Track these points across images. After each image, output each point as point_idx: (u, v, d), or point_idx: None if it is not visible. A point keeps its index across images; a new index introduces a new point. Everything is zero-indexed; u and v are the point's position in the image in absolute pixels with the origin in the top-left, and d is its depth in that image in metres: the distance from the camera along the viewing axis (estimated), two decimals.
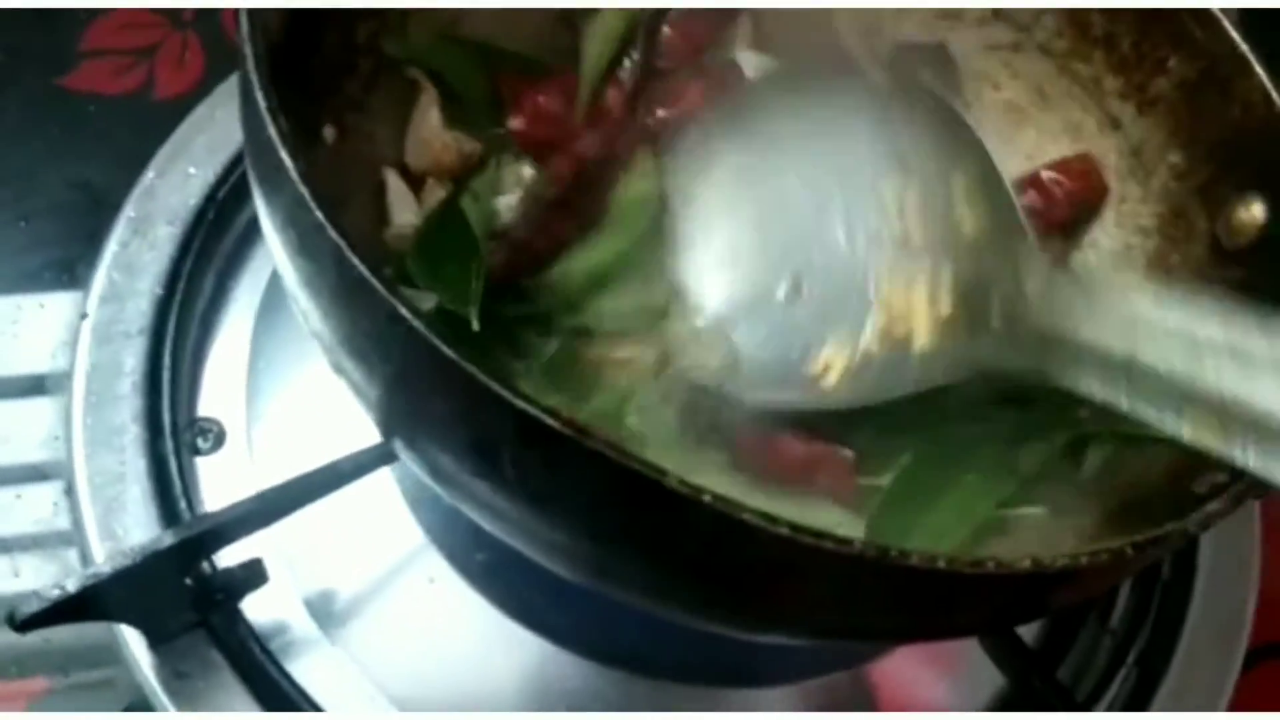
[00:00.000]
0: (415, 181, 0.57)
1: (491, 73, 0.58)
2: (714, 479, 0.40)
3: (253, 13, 0.42)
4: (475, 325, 0.51)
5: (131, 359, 0.59)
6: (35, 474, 0.58)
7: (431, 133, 0.56)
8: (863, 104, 0.57)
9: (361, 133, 0.55)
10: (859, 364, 0.50)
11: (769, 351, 0.51)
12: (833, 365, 0.50)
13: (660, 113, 0.59)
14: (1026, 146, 0.63)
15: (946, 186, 0.55)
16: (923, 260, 0.53)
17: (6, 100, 0.67)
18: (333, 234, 0.37)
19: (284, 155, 0.39)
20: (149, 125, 0.67)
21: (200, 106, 0.66)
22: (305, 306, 0.43)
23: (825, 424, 0.51)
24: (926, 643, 0.53)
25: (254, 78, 0.41)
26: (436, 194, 0.56)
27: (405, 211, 0.54)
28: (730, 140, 0.56)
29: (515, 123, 0.57)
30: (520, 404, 0.35)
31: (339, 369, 0.44)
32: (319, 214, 0.38)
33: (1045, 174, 0.60)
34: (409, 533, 0.57)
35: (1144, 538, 0.41)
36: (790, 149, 0.55)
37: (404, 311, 0.36)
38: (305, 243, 0.40)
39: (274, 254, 0.44)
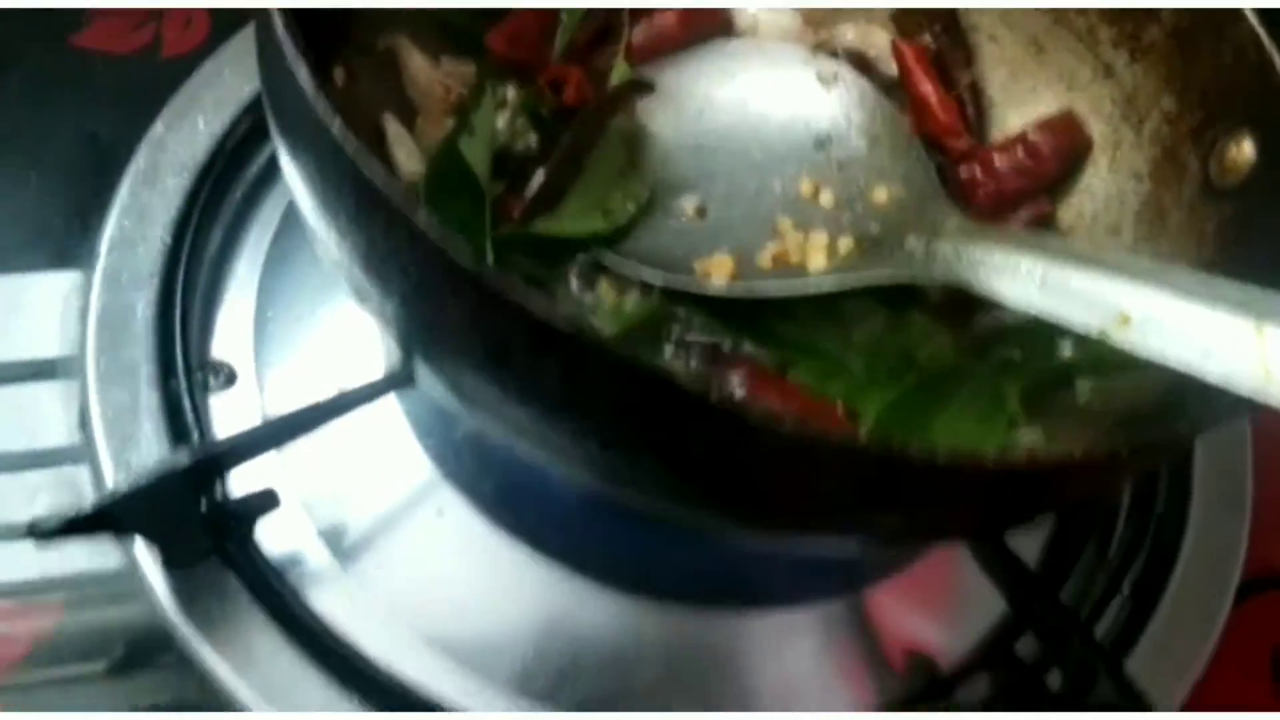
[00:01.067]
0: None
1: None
2: None
3: None
4: (490, 259, 0.52)
5: (142, 302, 0.60)
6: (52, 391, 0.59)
7: (419, 69, 0.58)
8: (807, 80, 0.63)
9: (367, 76, 0.56)
10: (749, 272, 0.56)
11: (668, 248, 0.57)
12: (720, 268, 0.56)
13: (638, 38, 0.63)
14: (1021, 95, 0.65)
15: (869, 165, 0.60)
16: (827, 216, 0.59)
17: (20, 58, 0.68)
18: (349, 149, 0.39)
19: (302, 77, 0.40)
20: (156, 82, 0.68)
21: (208, 62, 0.67)
22: (324, 234, 0.44)
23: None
24: (928, 542, 0.54)
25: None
26: (429, 130, 0.58)
27: (405, 154, 0.55)
28: (690, 86, 0.62)
29: (494, 42, 0.60)
30: (534, 308, 0.37)
31: (359, 292, 0.45)
32: (336, 132, 0.40)
33: (1032, 135, 0.62)
34: (418, 465, 0.58)
35: (1139, 441, 0.42)
36: (731, 105, 0.62)
37: (420, 224, 0.38)
38: (324, 164, 0.41)
39: (292, 184, 0.46)
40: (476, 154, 0.54)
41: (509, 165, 0.58)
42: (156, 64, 0.70)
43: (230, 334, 0.62)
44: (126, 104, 0.68)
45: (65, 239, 0.63)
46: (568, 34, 0.61)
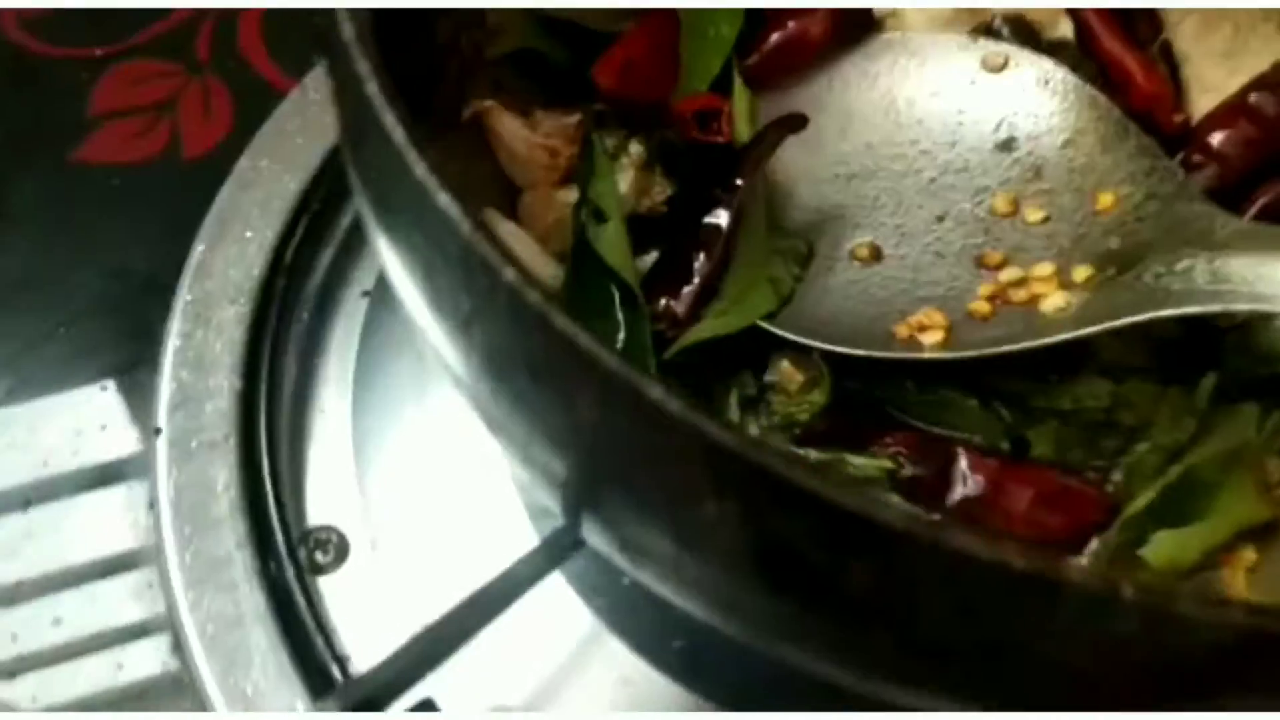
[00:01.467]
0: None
1: (574, 46, 0.49)
2: None
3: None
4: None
5: (222, 473, 0.49)
6: (135, 630, 0.48)
7: (514, 137, 0.46)
8: (970, 71, 0.51)
9: (455, 159, 0.45)
10: (964, 325, 0.45)
11: (852, 311, 0.47)
12: (930, 326, 0.45)
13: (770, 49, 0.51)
14: (1221, 43, 0.53)
15: (1072, 164, 0.49)
16: (1043, 238, 0.47)
17: (19, 187, 0.57)
18: (523, 293, 0.27)
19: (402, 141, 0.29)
20: (185, 191, 0.57)
21: (241, 159, 0.56)
22: (470, 384, 0.33)
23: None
24: None
25: (351, 43, 0.31)
26: (539, 212, 0.47)
27: (528, 256, 0.44)
28: (816, 100, 0.51)
29: (602, 77, 0.48)
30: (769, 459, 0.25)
31: (518, 453, 0.34)
32: (455, 208, 0.28)
33: (1253, 97, 0.50)
34: (587, 628, 0.47)
35: None
36: (878, 117, 0.51)
37: (595, 348, 0.27)
38: (483, 310, 0.30)
39: (404, 296, 0.34)
40: (617, 252, 0.43)
41: (640, 233, 0.47)
42: (180, 168, 0.58)
43: (330, 490, 0.51)
44: (155, 223, 0.57)
45: (112, 410, 0.52)
46: (720, 50, 0.49)
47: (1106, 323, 0.42)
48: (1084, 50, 0.52)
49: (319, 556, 0.50)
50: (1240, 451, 0.44)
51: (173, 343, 0.52)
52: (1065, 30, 0.54)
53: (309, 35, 0.61)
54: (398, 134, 0.29)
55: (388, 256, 0.33)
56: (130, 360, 0.53)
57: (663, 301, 0.44)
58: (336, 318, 0.55)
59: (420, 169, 0.29)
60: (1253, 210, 0.49)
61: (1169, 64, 0.54)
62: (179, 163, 0.58)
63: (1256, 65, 0.52)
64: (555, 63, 0.49)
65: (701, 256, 0.44)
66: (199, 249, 0.54)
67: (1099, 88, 0.51)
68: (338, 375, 0.53)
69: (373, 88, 0.30)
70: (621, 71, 0.48)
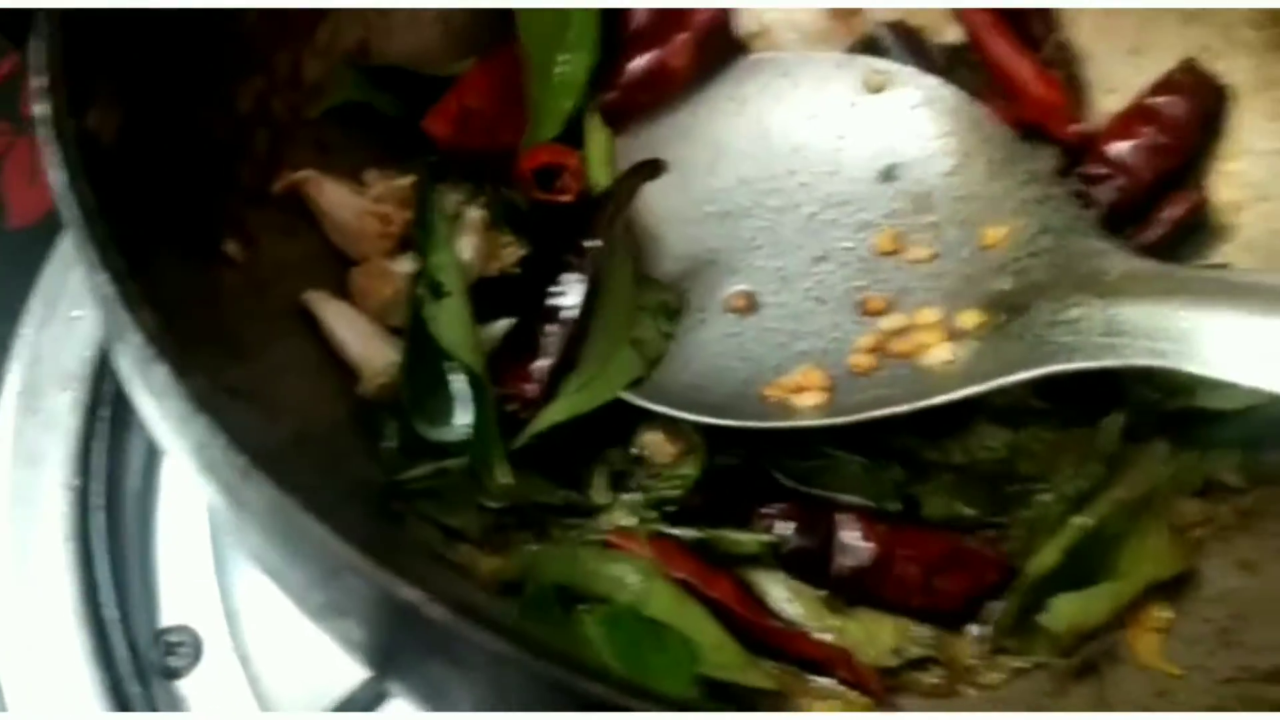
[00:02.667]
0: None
1: (407, 94, 0.45)
2: None
3: (60, 121, 0.28)
4: (506, 478, 0.38)
5: (63, 580, 0.45)
6: None
7: (340, 206, 0.42)
8: (849, 92, 0.47)
9: (269, 236, 0.40)
10: (844, 383, 0.41)
11: (727, 370, 0.43)
12: (807, 386, 0.41)
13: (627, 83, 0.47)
14: (1124, 38, 0.49)
15: (958, 194, 0.45)
16: (929, 278, 0.44)
17: None
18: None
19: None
20: (8, 264, 0.52)
21: (68, 236, 0.51)
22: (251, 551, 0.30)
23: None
24: None
25: (85, 239, 0.27)
26: (374, 287, 0.42)
27: (355, 338, 0.40)
28: (682, 131, 0.48)
29: (435, 127, 0.44)
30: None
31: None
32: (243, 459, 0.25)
33: (1151, 101, 0.47)
34: None
35: None
36: (751, 147, 0.47)
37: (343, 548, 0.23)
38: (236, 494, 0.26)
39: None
40: (457, 334, 0.39)
41: (488, 296, 0.43)
42: (3, 238, 0.54)
43: (183, 590, 0.47)
44: None
45: None
46: (571, 90, 0.45)
47: (993, 381, 0.38)
48: (977, 58, 0.49)
49: (172, 660, 0.46)
50: (1151, 496, 0.41)
51: (4, 440, 0.48)
52: (955, 34, 0.50)
53: None
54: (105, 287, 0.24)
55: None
56: None
57: (513, 381, 0.40)
58: None
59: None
60: (1162, 227, 0.46)
61: (1069, 62, 0.50)
62: (3, 232, 0.54)
63: (1164, 61, 0.48)
64: (386, 115, 0.44)
65: (554, 328, 0.40)
66: (26, 331, 0.50)
67: (990, 97, 0.48)
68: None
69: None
70: (458, 120, 0.44)
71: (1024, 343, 0.39)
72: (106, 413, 0.48)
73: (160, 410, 0.27)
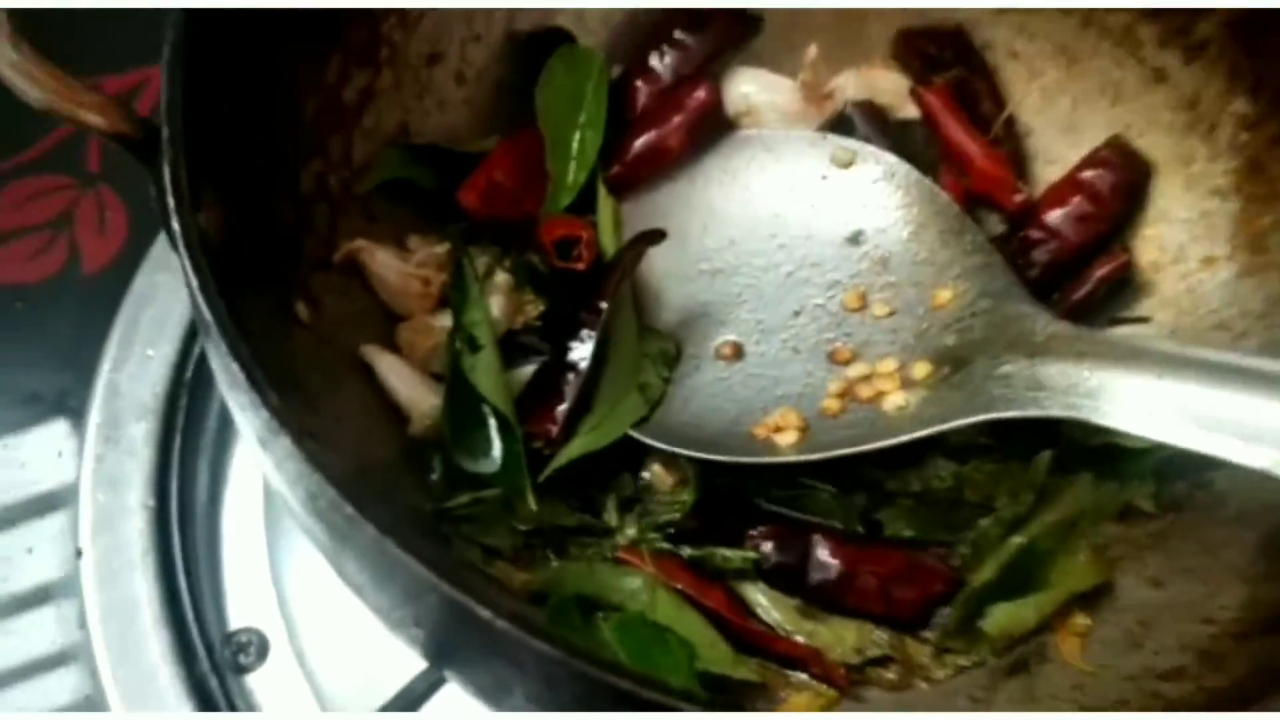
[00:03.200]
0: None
1: (442, 169, 0.53)
2: None
3: (187, 227, 0.35)
4: (533, 505, 0.45)
5: (143, 589, 0.53)
6: None
7: (388, 269, 0.49)
8: (821, 166, 0.54)
9: (331, 298, 0.48)
10: (817, 424, 0.49)
11: (716, 410, 0.50)
12: (786, 426, 0.49)
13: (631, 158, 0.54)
14: (1061, 116, 0.56)
15: (914, 258, 0.52)
16: (888, 332, 0.51)
17: None
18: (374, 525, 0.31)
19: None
20: (87, 307, 0.59)
21: (138, 277, 0.59)
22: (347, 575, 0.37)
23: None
24: None
25: (211, 321, 0.34)
26: (418, 340, 0.50)
27: (405, 386, 0.47)
28: (680, 198, 0.55)
29: (467, 200, 0.51)
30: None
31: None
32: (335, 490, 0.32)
33: (1082, 173, 0.54)
34: None
35: None
36: (738, 213, 0.54)
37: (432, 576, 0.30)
38: (328, 520, 0.34)
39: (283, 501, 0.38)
40: (490, 382, 0.46)
41: (516, 349, 0.51)
42: (80, 283, 0.61)
43: (247, 592, 0.54)
44: (60, 341, 0.59)
45: (36, 523, 0.55)
46: (584, 164, 0.52)
47: (937, 426, 0.46)
48: (932, 136, 0.56)
49: (242, 658, 0.53)
50: (1076, 520, 0.49)
51: (88, 465, 0.55)
52: (914, 111, 0.57)
53: None
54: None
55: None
56: (48, 483, 0.55)
57: (537, 422, 0.47)
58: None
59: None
60: (1092, 285, 0.53)
61: (1014, 138, 0.57)
62: (79, 278, 0.60)
63: (1094, 138, 0.55)
64: (424, 188, 0.51)
65: (571, 376, 0.48)
66: (104, 369, 0.57)
67: (945, 169, 0.55)
68: (247, 481, 0.56)
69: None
70: (486, 193, 0.51)
71: (964, 393, 0.46)
72: (178, 441, 0.56)
73: (279, 471, 0.34)
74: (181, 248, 0.34)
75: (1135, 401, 0.42)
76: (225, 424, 0.57)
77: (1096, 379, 0.43)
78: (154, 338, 0.57)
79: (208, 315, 0.32)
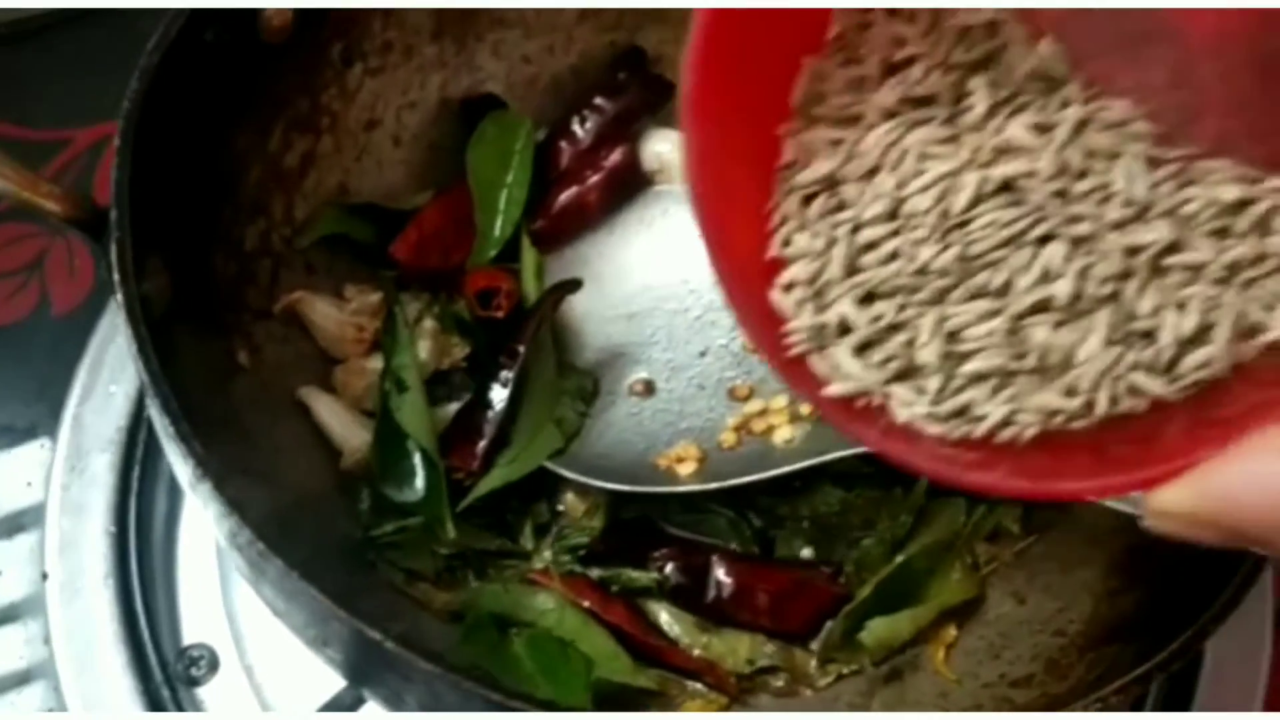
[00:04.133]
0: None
1: (377, 223, 0.58)
2: None
3: (130, 299, 0.40)
4: (451, 533, 0.50)
5: (104, 608, 0.57)
6: None
7: (325, 318, 0.55)
8: None
9: (271, 345, 0.53)
10: (714, 456, 0.54)
11: (626, 442, 0.55)
12: (686, 458, 0.54)
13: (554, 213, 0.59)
14: None
15: None
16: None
17: None
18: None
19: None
20: (56, 346, 0.64)
21: (103, 318, 0.63)
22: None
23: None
24: None
25: (147, 380, 0.39)
26: (352, 381, 0.55)
27: (340, 424, 0.52)
28: (598, 247, 0.60)
29: (400, 252, 0.56)
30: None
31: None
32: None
33: None
34: None
35: None
36: (653, 260, 0.59)
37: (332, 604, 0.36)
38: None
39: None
40: (415, 420, 0.51)
41: (440, 387, 0.56)
42: (50, 326, 0.65)
43: (200, 613, 0.59)
44: (30, 377, 0.64)
45: (5, 556, 0.60)
46: (510, 219, 0.57)
47: (818, 458, 0.51)
48: None
49: (194, 671, 0.58)
50: (952, 540, 0.54)
51: (53, 496, 0.60)
52: None
53: None
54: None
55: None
56: (19, 509, 0.60)
57: (458, 457, 0.52)
58: None
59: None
60: None
61: None
62: (49, 321, 0.65)
63: None
64: (360, 241, 0.56)
65: (490, 414, 0.53)
66: (71, 404, 0.61)
67: None
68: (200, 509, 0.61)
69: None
70: (417, 246, 0.56)
71: None
72: (137, 472, 0.60)
73: (206, 510, 0.39)
74: (124, 318, 0.39)
75: None
76: None
77: None
78: (118, 374, 0.62)
79: (144, 376, 0.37)
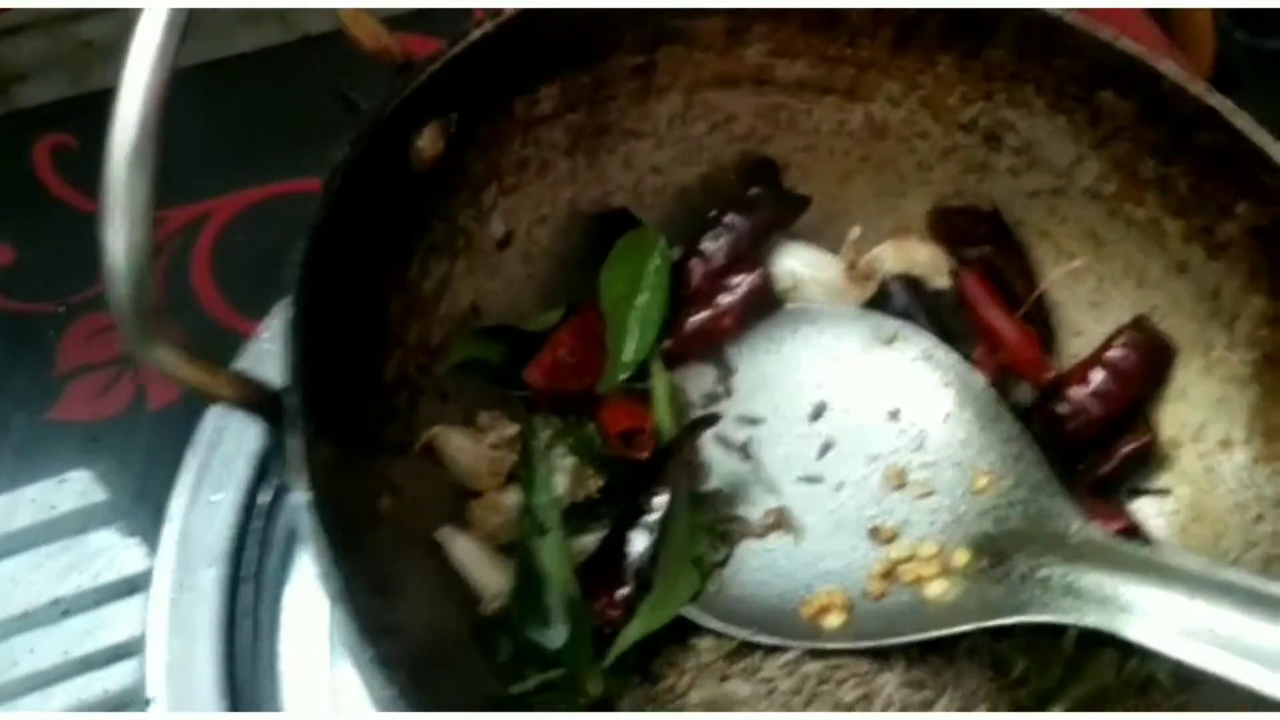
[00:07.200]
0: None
1: (510, 345, 0.56)
2: None
3: (307, 445, 0.38)
4: (599, 687, 0.48)
5: None
6: None
7: (461, 452, 0.53)
8: (862, 342, 0.58)
9: (410, 484, 0.51)
10: (861, 605, 0.52)
11: (761, 584, 0.53)
12: (831, 607, 0.52)
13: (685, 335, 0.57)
14: (1087, 293, 0.60)
15: (952, 439, 0.55)
16: (927, 513, 0.54)
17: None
18: None
19: None
20: (154, 443, 0.62)
21: (207, 416, 0.61)
22: None
23: None
24: None
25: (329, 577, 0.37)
26: (488, 517, 0.53)
27: (480, 568, 0.50)
28: (736, 365, 0.58)
29: (533, 377, 0.54)
30: None
31: None
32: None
33: (1108, 353, 0.57)
34: None
35: None
36: (784, 381, 0.58)
37: None
38: None
39: None
40: (556, 563, 0.50)
41: (576, 519, 0.54)
42: (147, 420, 0.63)
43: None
44: (125, 478, 0.62)
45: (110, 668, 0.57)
46: (644, 345, 0.55)
47: (978, 622, 0.49)
48: (969, 317, 0.59)
49: None
50: (1106, 693, 0.52)
51: (160, 611, 0.57)
52: (947, 280, 0.61)
53: (256, 274, 0.66)
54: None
55: None
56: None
57: (601, 605, 0.50)
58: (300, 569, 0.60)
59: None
60: (1116, 460, 0.57)
61: (1044, 311, 0.61)
62: (145, 416, 0.63)
63: (1119, 315, 0.59)
64: (494, 367, 0.54)
65: (631, 560, 0.51)
66: (174, 515, 0.59)
67: (981, 343, 0.58)
68: (308, 617, 0.59)
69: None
70: (551, 370, 0.54)
71: (1003, 588, 0.49)
72: (250, 587, 0.58)
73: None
74: (311, 525, 0.37)
75: (1168, 622, 0.45)
76: (287, 561, 0.60)
77: (1130, 594, 0.46)
78: (223, 481, 0.60)
79: (336, 594, 0.35)
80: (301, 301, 0.39)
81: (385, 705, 0.36)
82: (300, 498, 0.36)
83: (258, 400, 0.38)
